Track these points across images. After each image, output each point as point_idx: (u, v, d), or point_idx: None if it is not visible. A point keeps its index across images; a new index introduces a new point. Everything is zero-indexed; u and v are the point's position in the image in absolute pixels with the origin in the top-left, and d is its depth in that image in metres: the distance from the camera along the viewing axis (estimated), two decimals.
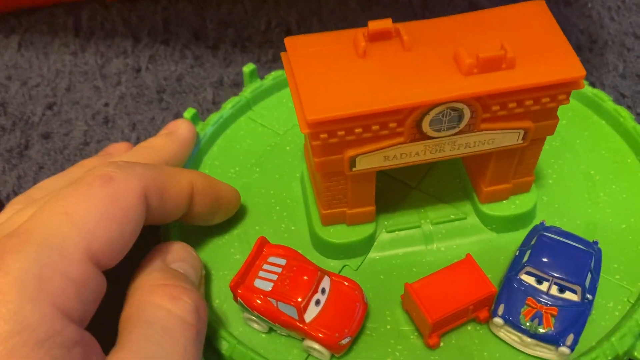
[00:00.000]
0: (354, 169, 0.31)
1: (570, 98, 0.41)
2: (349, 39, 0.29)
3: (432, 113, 0.28)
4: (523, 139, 0.31)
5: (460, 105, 0.28)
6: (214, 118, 0.41)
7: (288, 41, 0.30)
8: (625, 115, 0.40)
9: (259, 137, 0.41)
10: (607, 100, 0.40)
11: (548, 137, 0.40)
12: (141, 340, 0.26)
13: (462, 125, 0.29)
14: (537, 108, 0.29)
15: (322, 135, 0.28)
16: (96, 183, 0.27)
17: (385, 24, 0.29)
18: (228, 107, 0.41)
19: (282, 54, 0.30)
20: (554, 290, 0.30)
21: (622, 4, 0.50)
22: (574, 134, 0.40)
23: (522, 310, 0.30)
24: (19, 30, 0.50)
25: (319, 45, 0.30)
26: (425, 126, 0.29)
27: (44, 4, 0.50)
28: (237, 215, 0.37)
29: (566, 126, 0.40)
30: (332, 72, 0.29)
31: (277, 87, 0.43)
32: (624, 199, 0.37)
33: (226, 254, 0.36)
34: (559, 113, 0.40)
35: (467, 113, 0.29)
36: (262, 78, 0.43)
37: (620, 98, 0.44)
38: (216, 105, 0.45)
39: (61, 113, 0.45)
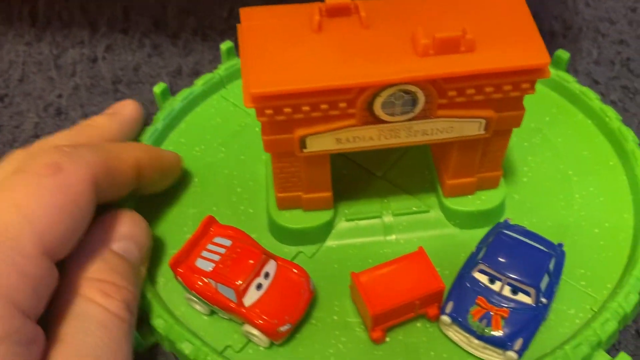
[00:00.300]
0: (305, 150, 0.29)
1: (555, 94, 0.40)
2: (306, 13, 0.28)
3: (384, 95, 0.27)
4: (485, 129, 0.29)
5: (413, 88, 0.27)
6: (183, 94, 0.40)
7: (243, 12, 0.29)
8: (611, 115, 0.37)
9: (230, 116, 0.40)
10: (593, 99, 0.38)
11: (528, 134, 0.38)
12: (79, 334, 0.26)
13: (417, 110, 0.28)
14: (499, 96, 0.28)
15: (267, 111, 0.27)
16: (44, 172, 0.26)
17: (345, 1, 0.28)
18: (200, 83, 0.40)
19: (238, 26, 0.29)
20: (507, 291, 0.29)
21: None
22: (556, 132, 0.38)
23: (471, 309, 0.29)
24: None
25: (273, 18, 0.28)
26: (378, 109, 0.28)
27: None
28: (195, 195, 0.36)
29: (549, 123, 0.39)
30: (283, 46, 0.27)
31: None
32: (601, 202, 0.35)
33: (178, 233, 0.35)
34: (542, 109, 0.39)
35: (421, 97, 0.27)
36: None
37: (593, 85, 0.42)
38: (173, 94, 0.44)
39: (12, 105, 0.44)
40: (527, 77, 0.27)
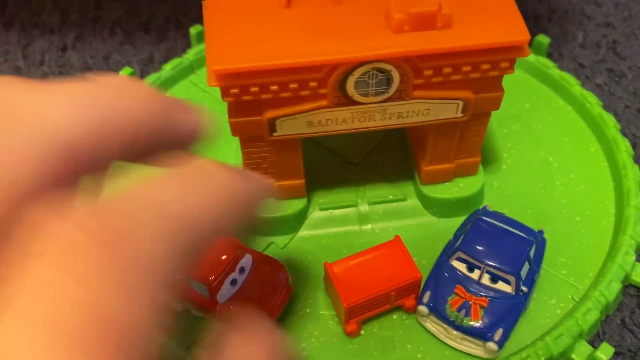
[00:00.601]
0: (275, 134, 0.28)
1: (535, 80, 0.39)
2: None
3: (356, 73, 0.25)
4: (463, 112, 0.28)
5: (387, 67, 0.25)
6: (151, 79, 0.38)
7: None
8: (592, 101, 0.37)
9: (200, 102, 0.38)
10: (574, 84, 0.37)
11: (507, 120, 0.37)
12: None
13: (392, 90, 0.26)
14: (477, 76, 0.26)
15: (233, 91, 0.26)
16: None
17: None
18: (168, 67, 0.39)
19: (203, 3, 0.28)
20: (486, 280, 0.27)
21: None
22: (537, 119, 0.37)
23: (449, 299, 0.27)
24: None
25: None
26: (350, 89, 0.26)
27: None
28: None
29: (529, 110, 0.37)
30: (249, 22, 0.26)
31: None
32: (582, 190, 0.34)
33: None
34: (521, 95, 0.38)
35: (396, 76, 0.26)
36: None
37: (579, 68, 0.41)
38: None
39: None
40: (506, 56, 0.26)
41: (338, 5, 0.26)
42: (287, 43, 0.25)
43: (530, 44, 0.40)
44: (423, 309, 0.28)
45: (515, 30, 0.25)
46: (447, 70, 0.26)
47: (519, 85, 0.38)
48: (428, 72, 0.26)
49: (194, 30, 0.40)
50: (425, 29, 0.25)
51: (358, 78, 0.26)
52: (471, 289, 0.27)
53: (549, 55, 0.42)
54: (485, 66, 0.26)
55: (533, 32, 0.43)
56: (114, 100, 0.18)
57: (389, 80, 0.26)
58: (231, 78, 0.25)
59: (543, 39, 0.40)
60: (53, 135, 0.17)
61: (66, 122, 0.17)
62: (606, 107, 0.38)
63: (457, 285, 0.27)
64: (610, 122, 0.35)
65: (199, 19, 0.46)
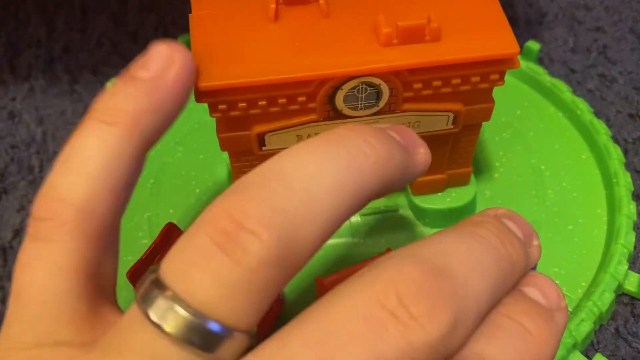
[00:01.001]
0: (264, 149, 0.28)
1: (526, 87, 0.39)
2: (262, 1, 0.26)
3: (345, 88, 0.25)
4: (453, 123, 0.28)
5: (376, 81, 0.25)
6: None
7: (194, 1, 0.27)
8: (583, 107, 0.36)
9: (188, 114, 0.38)
10: (565, 91, 0.37)
11: (498, 128, 0.37)
12: None
13: (382, 104, 0.26)
14: (467, 88, 0.26)
15: (220, 107, 0.25)
16: None
17: None
18: None
19: (190, 17, 0.27)
20: None
21: None
22: (528, 126, 0.37)
23: None
24: None
25: (227, 6, 0.26)
26: (340, 103, 0.26)
27: None
28: (150, 197, 0.34)
29: (520, 117, 0.37)
30: (236, 36, 0.25)
31: None
32: (574, 198, 0.34)
33: (133, 238, 0.32)
34: (512, 102, 0.38)
35: (385, 90, 0.26)
36: None
37: (570, 73, 0.41)
38: None
39: None
40: (495, 68, 0.25)
41: (326, 19, 0.26)
42: (275, 58, 0.25)
43: (521, 50, 0.40)
44: None
45: (504, 42, 0.25)
46: (436, 83, 0.26)
47: (510, 92, 0.38)
48: (417, 86, 0.26)
49: (181, 40, 0.40)
50: (414, 42, 0.25)
51: (347, 92, 0.25)
52: None
53: (540, 61, 0.41)
54: (475, 79, 0.26)
55: (524, 37, 0.43)
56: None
57: (378, 94, 0.26)
58: (218, 94, 0.25)
59: (533, 45, 0.40)
60: None
61: None
62: (597, 113, 0.38)
63: None
64: (602, 129, 0.35)
65: (186, 28, 0.45)
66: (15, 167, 0.39)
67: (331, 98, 0.26)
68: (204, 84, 0.24)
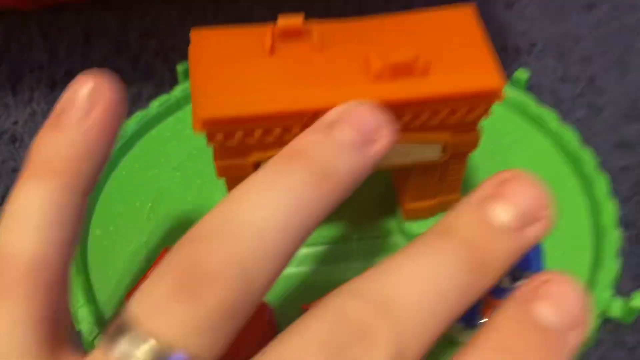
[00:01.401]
0: None
1: (514, 115, 0.40)
2: (259, 36, 0.27)
3: None
4: (442, 152, 0.29)
5: None
6: (137, 117, 0.39)
7: (194, 34, 0.28)
8: (570, 136, 0.38)
9: (186, 139, 0.39)
10: (552, 120, 0.38)
11: (487, 155, 0.38)
12: None
13: None
14: (455, 120, 0.27)
15: (218, 136, 0.26)
16: None
17: (295, 21, 0.27)
18: (155, 105, 0.39)
19: (189, 48, 0.28)
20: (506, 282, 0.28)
21: (562, 5, 0.48)
22: (516, 154, 0.38)
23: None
24: None
25: (225, 40, 0.28)
26: None
27: None
28: (148, 222, 0.35)
29: (508, 145, 0.38)
30: (234, 69, 0.27)
31: None
32: (560, 226, 0.34)
33: (130, 263, 0.33)
34: (501, 130, 0.39)
35: None
36: None
37: (558, 102, 0.42)
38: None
39: None
40: (481, 101, 0.27)
41: (320, 53, 0.27)
42: (271, 90, 0.26)
43: (509, 78, 0.41)
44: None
45: (489, 77, 0.26)
46: (425, 115, 0.27)
47: (498, 120, 0.39)
48: (407, 118, 0.27)
49: (180, 67, 0.41)
50: (403, 76, 0.26)
51: None
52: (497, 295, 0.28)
53: (530, 89, 0.43)
54: (462, 111, 0.27)
55: (513, 66, 0.44)
56: None
57: None
58: (216, 124, 0.26)
59: (522, 74, 0.41)
60: None
61: None
62: (585, 141, 0.40)
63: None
64: (588, 158, 0.36)
65: (187, 55, 0.47)
66: None
67: None
68: (203, 114, 0.25)
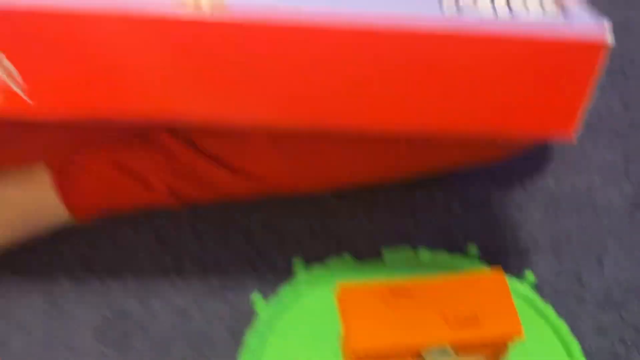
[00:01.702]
0: None
1: (525, 305, 0.59)
2: (385, 289, 0.48)
3: (430, 349, 0.46)
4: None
5: (447, 347, 0.46)
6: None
7: (341, 286, 0.48)
8: (564, 330, 0.56)
9: None
10: (552, 315, 0.58)
11: None
12: None
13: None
14: (492, 348, 0.47)
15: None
16: None
17: (405, 284, 0.47)
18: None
19: (337, 296, 0.48)
20: None
21: (557, 205, 0.64)
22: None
23: None
24: None
25: (363, 292, 0.48)
26: (428, 356, 0.47)
27: None
28: None
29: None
30: (374, 309, 0.47)
31: None
32: None
33: None
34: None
35: (450, 349, 0.47)
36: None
37: (553, 294, 0.59)
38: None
39: None
40: (510, 339, 0.47)
41: (418, 309, 0.47)
42: (401, 327, 0.46)
43: (522, 276, 0.60)
44: None
45: (513, 324, 0.46)
46: (477, 347, 0.47)
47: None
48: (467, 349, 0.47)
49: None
50: (466, 327, 0.46)
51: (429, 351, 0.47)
52: None
53: (537, 286, 0.61)
54: (497, 343, 0.47)
55: (521, 262, 0.62)
56: None
57: (446, 351, 0.47)
58: (365, 353, 0.45)
59: (529, 275, 0.60)
60: None
61: None
62: (572, 326, 0.57)
63: None
64: (576, 349, 0.55)
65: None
66: None
67: (420, 354, 0.47)
68: (355, 345, 0.45)
